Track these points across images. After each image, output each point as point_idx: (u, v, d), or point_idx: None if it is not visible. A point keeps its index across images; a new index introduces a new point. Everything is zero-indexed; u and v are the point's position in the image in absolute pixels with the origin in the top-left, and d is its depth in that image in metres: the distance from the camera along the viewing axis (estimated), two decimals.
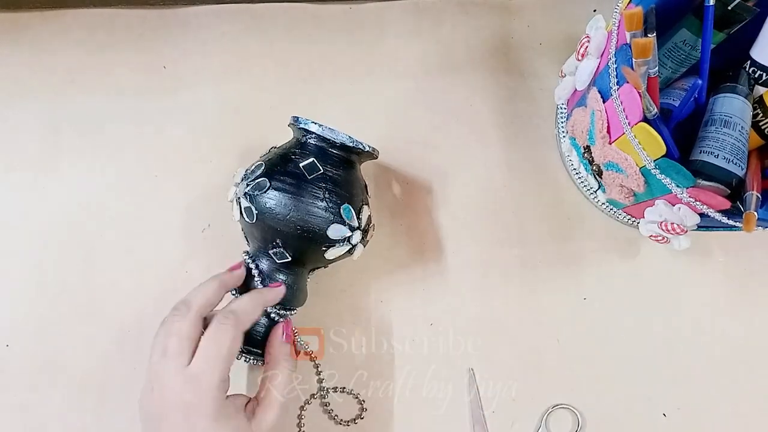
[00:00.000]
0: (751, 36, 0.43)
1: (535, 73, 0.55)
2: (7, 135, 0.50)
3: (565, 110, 0.51)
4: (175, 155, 0.50)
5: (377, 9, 0.56)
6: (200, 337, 0.35)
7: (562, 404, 0.47)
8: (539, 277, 0.50)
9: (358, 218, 0.41)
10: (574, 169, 0.50)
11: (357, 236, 0.41)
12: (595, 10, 0.56)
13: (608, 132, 0.41)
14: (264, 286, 0.41)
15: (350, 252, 0.42)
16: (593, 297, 0.49)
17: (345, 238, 0.40)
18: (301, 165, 0.40)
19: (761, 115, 0.42)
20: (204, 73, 0.53)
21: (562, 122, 0.51)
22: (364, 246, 0.43)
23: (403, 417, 0.46)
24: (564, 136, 0.50)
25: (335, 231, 0.40)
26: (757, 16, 0.41)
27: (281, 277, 0.41)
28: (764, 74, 0.42)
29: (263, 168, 0.40)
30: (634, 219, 0.49)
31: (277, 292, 0.40)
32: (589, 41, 0.42)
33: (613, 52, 0.38)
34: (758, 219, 0.36)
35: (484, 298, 0.49)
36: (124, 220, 0.49)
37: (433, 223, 0.50)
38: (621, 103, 0.38)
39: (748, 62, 0.43)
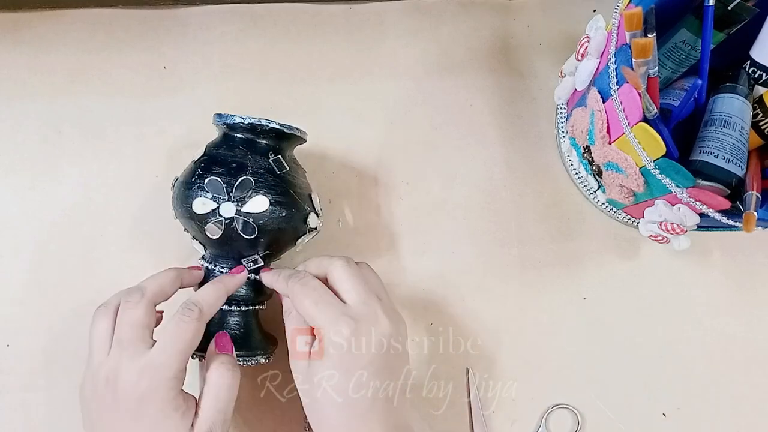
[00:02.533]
0: (751, 36, 0.43)
1: (535, 73, 0.55)
2: (7, 135, 0.50)
3: (565, 110, 0.51)
4: (175, 155, 0.50)
5: (377, 9, 0.56)
6: (154, 324, 0.36)
7: (562, 404, 0.47)
8: (539, 277, 0.50)
9: (320, 206, 0.43)
10: (574, 169, 0.50)
11: (320, 222, 0.43)
12: (595, 10, 0.56)
13: (608, 132, 0.41)
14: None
15: (315, 235, 0.44)
16: (593, 297, 0.49)
17: (316, 226, 0.42)
18: (271, 161, 0.40)
19: (761, 115, 0.42)
20: (204, 73, 0.53)
21: (562, 122, 0.51)
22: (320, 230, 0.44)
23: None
24: (564, 136, 0.50)
25: (311, 220, 0.41)
26: (757, 16, 0.41)
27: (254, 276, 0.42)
28: (764, 74, 0.42)
29: (241, 179, 0.39)
30: (634, 219, 0.49)
31: (239, 277, 0.40)
32: (589, 41, 0.42)
33: (613, 52, 0.38)
34: (758, 219, 0.36)
35: (484, 298, 0.49)
36: (124, 221, 0.49)
37: (433, 223, 0.50)
38: (621, 103, 0.38)
39: (748, 62, 0.43)
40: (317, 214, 0.42)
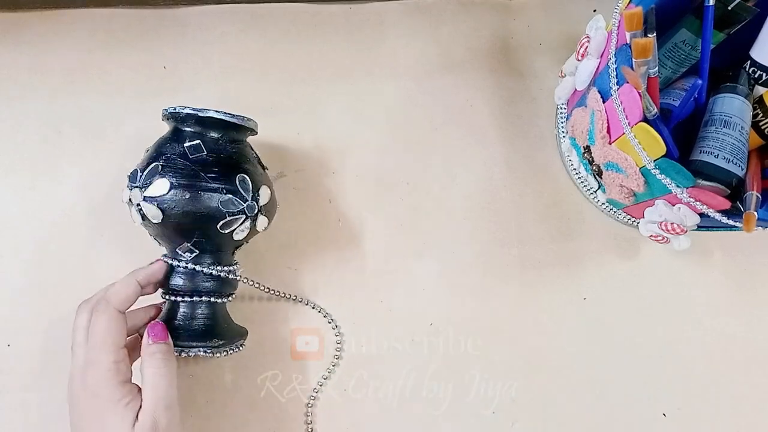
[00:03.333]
0: (751, 36, 0.43)
1: (535, 73, 0.55)
2: (7, 135, 0.50)
3: (565, 110, 0.51)
4: None
5: (377, 9, 0.56)
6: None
7: None
8: (539, 277, 0.50)
9: (251, 191, 0.41)
10: (574, 169, 0.50)
11: (253, 208, 0.41)
12: (595, 10, 0.56)
13: (608, 132, 0.41)
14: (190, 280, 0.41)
15: (253, 225, 0.42)
16: (593, 297, 0.49)
17: (239, 210, 0.40)
18: (185, 146, 0.40)
19: (761, 115, 0.42)
20: (204, 73, 0.53)
21: (562, 122, 0.51)
22: (269, 218, 0.43)
23: (403, 417, 0.46)
24: (564, 136, 0.50)
25: (228, 204, 0.39)
26: (757, 16, 0.41)
27: (207, 270, 0.41)
28: (764, 74, 0.42)
29: (151, 165, 0.40)
30: (634, 219, 0.49)
31: (152, 268, 0.41)
32: (589, 41, 0.42)
33: (613, 52, 0.38)
34: (758, 219, 0.36)
35: (484, 298, 0.49)
36: (124, 220, 0.49)
37: (432, 223, 0.50)
38: (621, 103, 0.38)
39: (748, 62, 0.43)
40: (255, 201, 0.41)
